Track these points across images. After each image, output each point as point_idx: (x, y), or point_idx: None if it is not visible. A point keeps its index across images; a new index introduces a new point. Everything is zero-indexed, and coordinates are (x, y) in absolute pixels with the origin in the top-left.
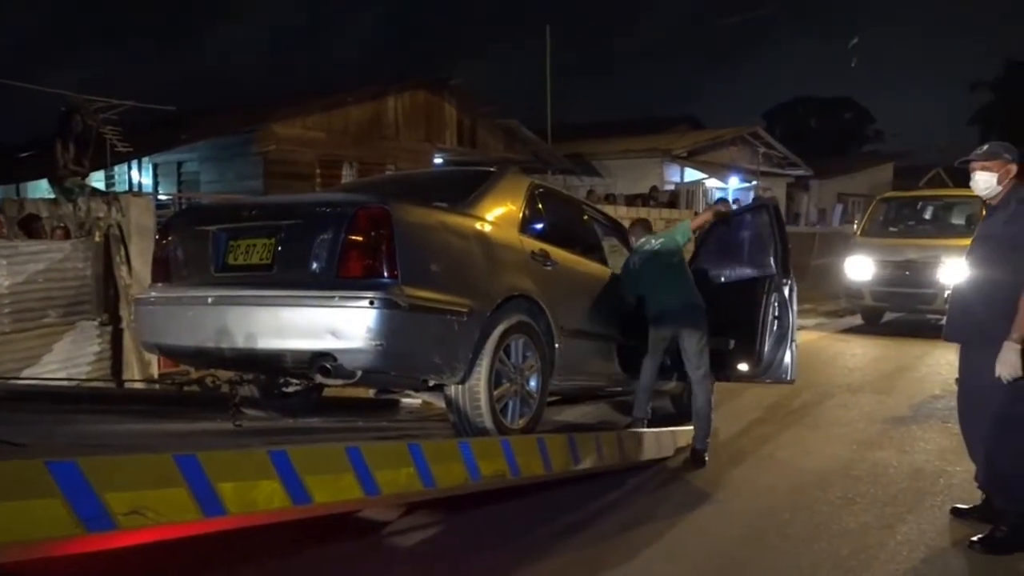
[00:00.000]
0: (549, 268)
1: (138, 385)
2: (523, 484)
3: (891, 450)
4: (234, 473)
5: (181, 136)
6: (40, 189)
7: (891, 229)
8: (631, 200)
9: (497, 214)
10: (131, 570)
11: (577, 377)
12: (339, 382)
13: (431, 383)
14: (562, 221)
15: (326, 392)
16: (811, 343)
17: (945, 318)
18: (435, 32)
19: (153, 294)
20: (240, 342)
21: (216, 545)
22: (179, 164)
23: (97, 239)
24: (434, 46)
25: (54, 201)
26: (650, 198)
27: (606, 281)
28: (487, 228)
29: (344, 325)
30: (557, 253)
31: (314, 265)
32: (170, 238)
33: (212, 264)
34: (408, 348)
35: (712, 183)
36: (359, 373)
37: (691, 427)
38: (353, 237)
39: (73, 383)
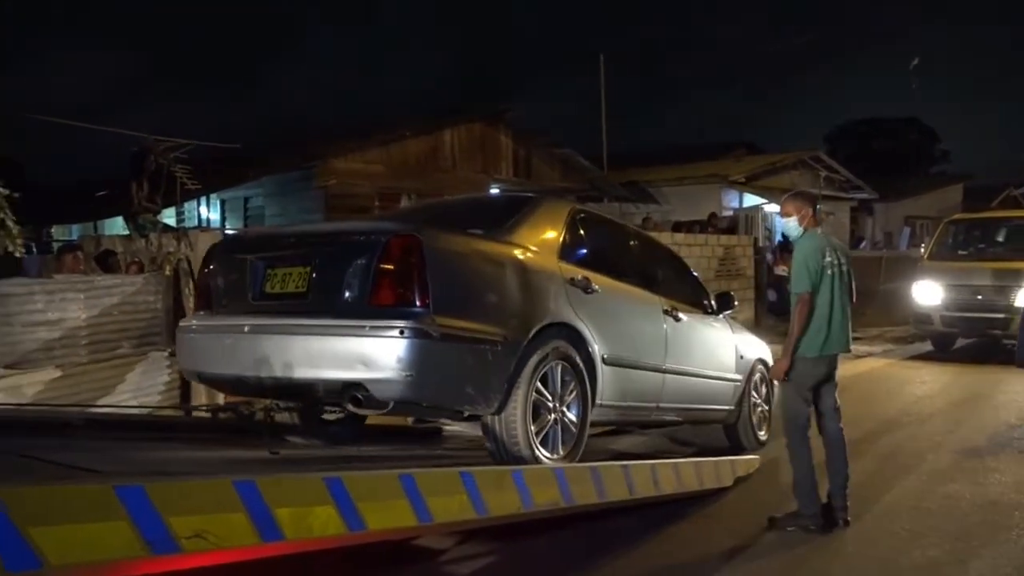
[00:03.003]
0: (591, 295)
1: (187, 413)
2: (577, 513)
3: (963, 482)
4: (291, 499)
5: (247, 173)
6: (116, 226)
7: (960, 252)
8: (689, 226)
9: (535, 240)
10: None
11: (623, 406)
12: (371, 412)
13: (466, 413)
14: (607, 247)
15: (371, 420)
16: (878, 370)
17: (1017, 342)
18: (491, 64)
19: (195, 322)
20: (276, 371)
21: (274, 571)
22: (245, 200)
23: (167, 273)
24: (490, 78)
25: (128, 237)
26: (709, 224)
27: (655, 308)
28: (522, 255)
29: (374, 355)
30: (600, 279)
31: (347, 293)
32: (211, 267)
33: (250, 292)
34: (440, 378)
35: (772, 208)
36: (391, 404)
37: (750, 456)
38: (384, 265)
39: (145, 411)
